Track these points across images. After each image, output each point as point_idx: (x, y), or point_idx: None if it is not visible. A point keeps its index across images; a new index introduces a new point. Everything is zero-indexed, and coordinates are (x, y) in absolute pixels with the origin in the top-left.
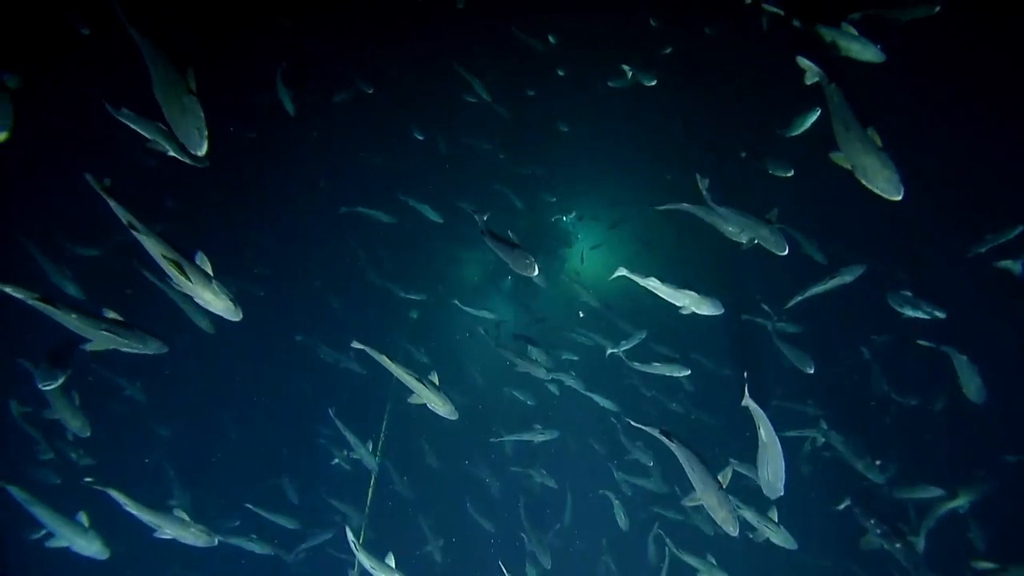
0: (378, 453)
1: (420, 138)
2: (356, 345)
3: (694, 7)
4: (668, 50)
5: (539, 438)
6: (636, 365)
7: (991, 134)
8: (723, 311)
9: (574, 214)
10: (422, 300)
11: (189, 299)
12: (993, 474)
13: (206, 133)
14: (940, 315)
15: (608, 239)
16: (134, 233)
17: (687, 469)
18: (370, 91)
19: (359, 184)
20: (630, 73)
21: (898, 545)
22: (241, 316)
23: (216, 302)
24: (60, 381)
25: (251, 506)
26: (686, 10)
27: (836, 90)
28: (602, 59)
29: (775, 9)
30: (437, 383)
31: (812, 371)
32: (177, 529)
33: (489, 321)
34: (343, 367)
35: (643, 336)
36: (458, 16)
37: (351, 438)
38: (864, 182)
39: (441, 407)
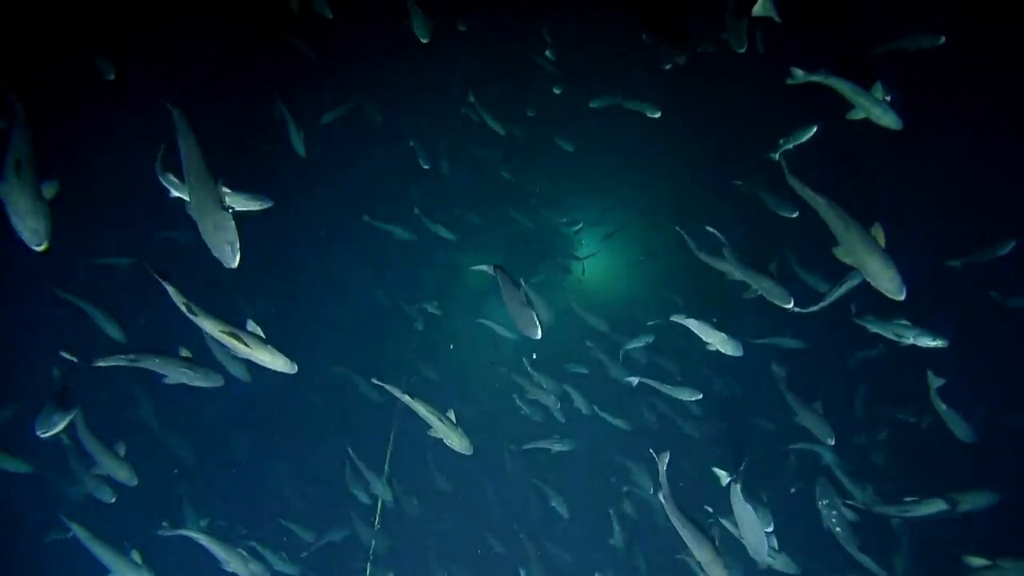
0: (388, 458)
1: (426, 167)
2: (375, 382)
3: (692, 21)
4: (668, 66)
5: (557, 447)
6: (649, 382)
7: (993, 139)
8: (743, 354)
9: (581, 225)
10: (435, 312)
11: (226, 352)
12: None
13: (238, 247)
14: (941, 343)
15: (604, 248)
16: (191, 317)
17: (678, 527)
18: (378, 119)
19: (363, 198)
20: (631, 105)
21: (839, 529)
22: (297, 369)
23: (274, 361)
24: (60, 428)
25: (284, 521)
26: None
27: (818, 194)
28: (600, 73)
29: (811, 76)
30: (454, 419)
31: (833, 441)
32: (239, 564)
33: (504, 339)
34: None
35: (650, 339)
36: (458, 37)
37: (368, 473)
38: (868, 279)
39: (457, 443)
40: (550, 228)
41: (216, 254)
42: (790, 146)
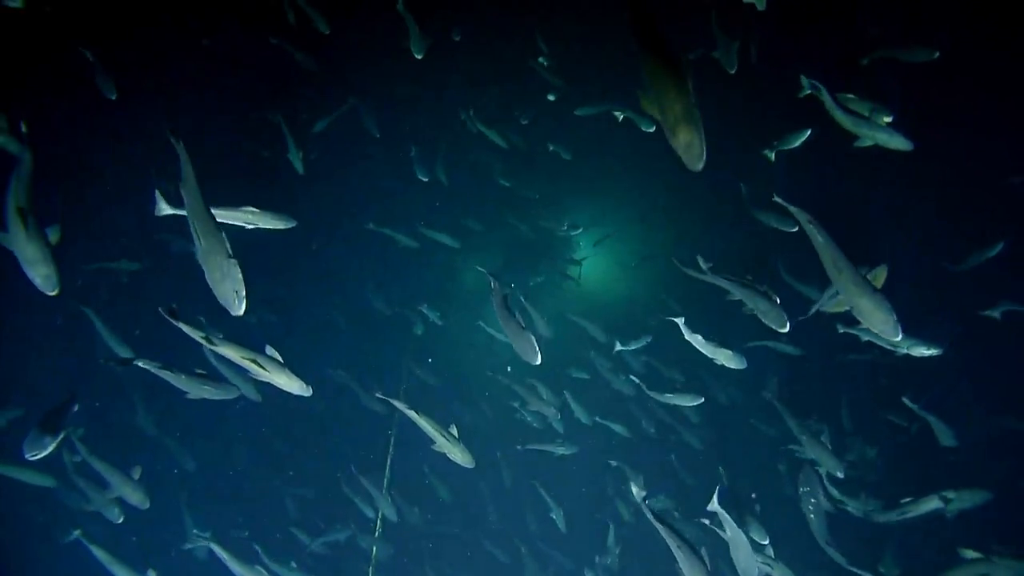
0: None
1: (425, 179)
2: (379, 396)
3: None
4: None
5: (560, 451)
6: (652, 394)
7: (993, 139)
8: (746, 366)
9: (581, 229)
10: (436, 321)
11: (237, 372)
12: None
13: (244, 294)
14: (936, 352)
15: (596, 252)
16: (210, 348)
17: (672, 546)
18: (377, 135)
19: (362, 201)
20: (623, 116)
21: (813, 516)
22: (311, 392)
23: (291, 384)
24: (49, 450)
25: (294, 530)
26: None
27: (819, 229)
28: (600, 77)
29: (817, 90)
30: (456, 434)
31: (841, 475)
32: None
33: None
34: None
35: (649, 340)
36: (452, 46)
37: (373, 491)
38: (862, 322)
39: (460, 457)
40: (548, 232)
41: (222, 302)
42: (785, 148)
